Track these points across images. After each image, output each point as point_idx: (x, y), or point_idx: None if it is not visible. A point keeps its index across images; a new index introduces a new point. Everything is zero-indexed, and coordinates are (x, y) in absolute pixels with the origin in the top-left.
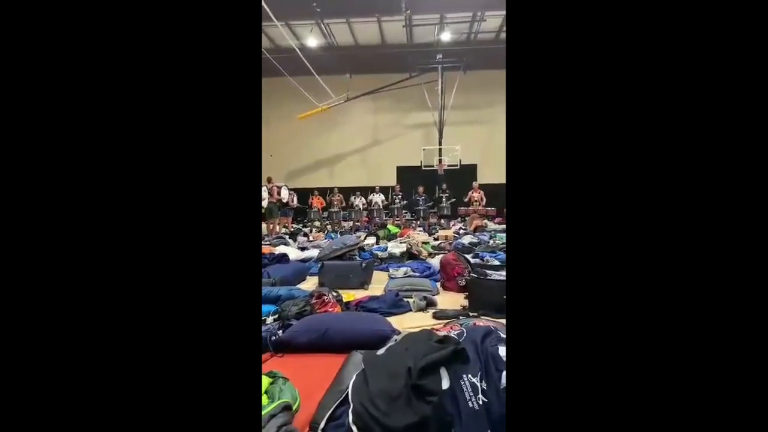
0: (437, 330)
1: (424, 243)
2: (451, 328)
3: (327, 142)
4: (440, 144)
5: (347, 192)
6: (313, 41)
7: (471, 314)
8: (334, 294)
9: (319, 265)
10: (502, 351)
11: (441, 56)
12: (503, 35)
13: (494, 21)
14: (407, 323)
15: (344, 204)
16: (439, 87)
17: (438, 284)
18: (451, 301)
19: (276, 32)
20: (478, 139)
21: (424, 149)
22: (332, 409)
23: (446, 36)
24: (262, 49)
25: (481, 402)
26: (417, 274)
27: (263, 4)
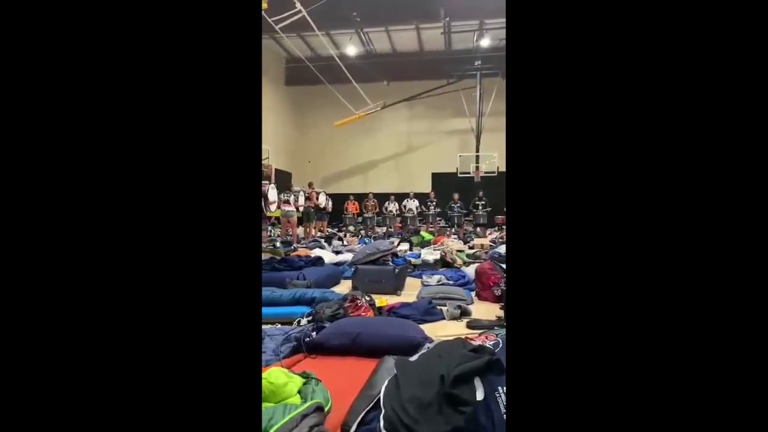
0: (472, 339)
1: (458, 251)
2: (487, 338)
3: (362, 148)
4: (477, 151)
5: (381, 198)
6: (352, 49)
7: (506, 325)
8: (367, 298)
9: (353, 269)
10: None
11: (480, 62)
12: None
13: None
14: (440, 331)
15: (378, 210)
16: (477, 93)
17: (473, 293)
18: (486, 311)
19: (317, 41)
20: None
21: (460, 156)
22: (364, 413)
23: (485, 42)
24: (303, 58)
25: None
26: (451, 282)
27: (306, 16)
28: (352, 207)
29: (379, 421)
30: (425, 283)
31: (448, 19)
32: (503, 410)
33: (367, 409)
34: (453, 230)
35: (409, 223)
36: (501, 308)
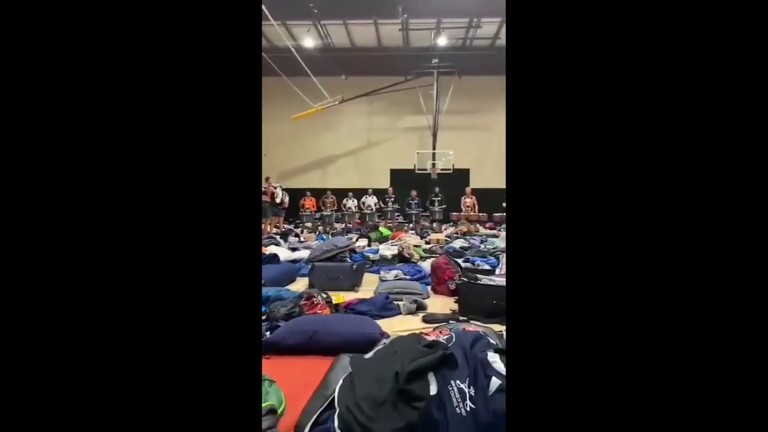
0: (426, 334)
1: (415, 246)
2: (441, 332)
3: (320, 143)
4: (434, 148)
5: (340, 194)
6: (309, 42)
7: (461, 318)
8: (324, 295)
9: (310, 266)
10: (491, 357)
11: (437, 60)
12: (499, 42)
13: (490, 27)
14: (397, 326)
15: (336, 206)
16: (434, 91)
17: (429, 288)
18: (441, 304)
19: (273, 32)
20: (471, 144)
21: (418, 153)
22: (317, 413)
23: (442, 41)
24: None
25: (468, 408)
26: (408, 277)
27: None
28: (308, 203)
29: (333, 420)
30: (382, 279)
31: (406, 15)
32: (455, 403)
33: (321, 409)
34: (411, 226)
35: (367, 219)
36: (455, 302)
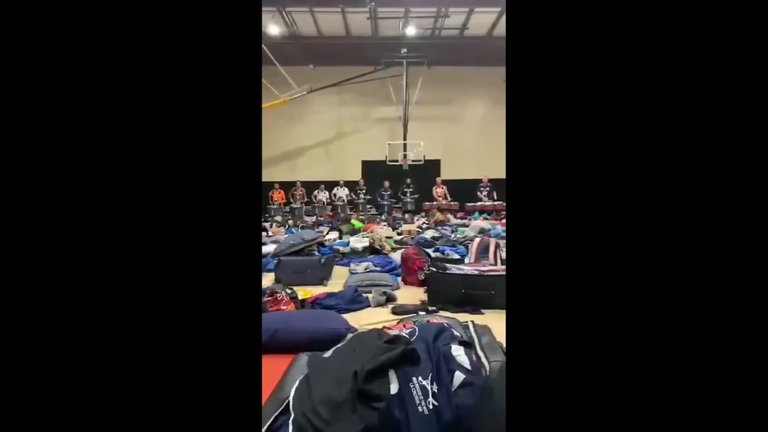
0: (389, 328)
1: (387, 238)
2: (404, 325)
3: (289, 134)
4: (405, 139)
5: (311, 187)
6: (274, 29)
7: (430, 308)
8: (288, 291)
9: (276, 260)
10: (455, 350)
11: (405, 50)
12: (467, 32)
13: (458, 17)
14: (365, 320)
15: (306, 198)
16: (404, 81)
17: (399, 279)
18: (411, 295)
19: None
20: (441, 135)
21: (389, 144)
22: (271, 419)
23: (411, 30)
24: None
25: (431, 406)
26: (378, 269)
27: None
28: (277, 196)
29: (288, 426)
30: (352, 271)
31: (373, 3)
32: (417, 402)
33: (276, 414)
34: (383, 217)
35: (339, 211)
36: (425, 292)
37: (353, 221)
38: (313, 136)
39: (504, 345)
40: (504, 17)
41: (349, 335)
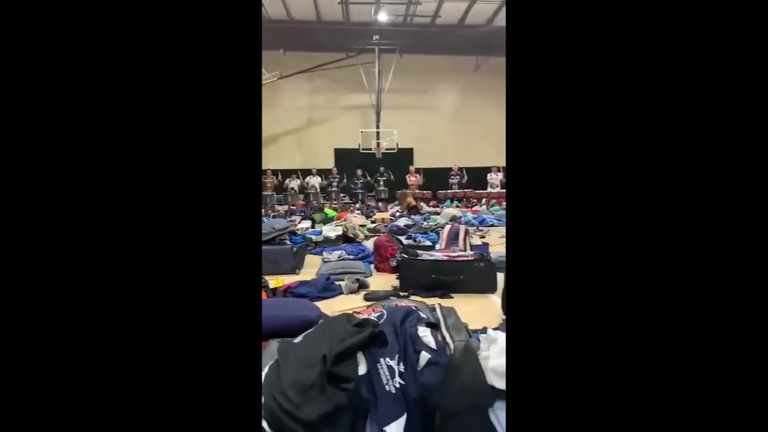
0: (358, 313)
1: (360, 226)
2: (373, 310)
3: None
4: (378, 127)
5: (284, 175)
6: None
7: (402, 294)
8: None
9: None
10: (422, 331)
11: (377, 37)
12: (439, 20)
13: (429, 5)
14: (337, 307)
15: (278, 186)
16: (376, 69)
17: (372, 266)
18: (383, 282)
19: None
20: (414, 123)
21: (362, 131)
22: None
23: (383, 16)
24: None
25: (398, 385)
26: (351, 257)
27: None
28: None
29: None
30: (325, 260)
31: None
32: (385, 381)
33: None
34: (357, 206)
35: (312, 199)
36: (397, 278)
37: (327, 210)
38: (284, 124)
39: (468, 325)
40: (476, 6)
41: (322, 321)
